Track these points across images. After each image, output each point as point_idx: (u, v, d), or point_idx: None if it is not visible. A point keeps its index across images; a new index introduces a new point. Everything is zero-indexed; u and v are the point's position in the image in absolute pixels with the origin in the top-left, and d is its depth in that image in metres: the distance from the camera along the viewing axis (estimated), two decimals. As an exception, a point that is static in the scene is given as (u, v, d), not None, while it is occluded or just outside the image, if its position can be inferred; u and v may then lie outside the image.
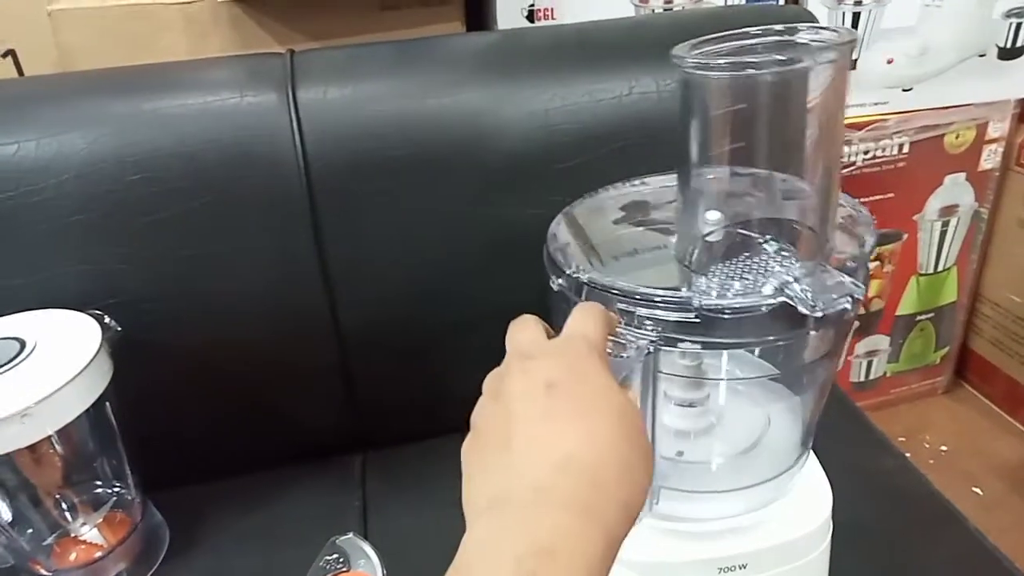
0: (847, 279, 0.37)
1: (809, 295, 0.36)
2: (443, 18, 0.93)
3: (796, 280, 0.38)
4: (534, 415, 0.30)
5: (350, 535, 0.63)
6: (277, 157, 0.67)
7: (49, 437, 0.55)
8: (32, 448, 0.56)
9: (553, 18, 0.94)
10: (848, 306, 0.36)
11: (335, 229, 0.69)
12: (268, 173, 0.68)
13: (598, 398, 0.30)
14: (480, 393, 0.36)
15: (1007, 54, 1.10)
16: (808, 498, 0.49)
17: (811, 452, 0.52)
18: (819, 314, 0.36)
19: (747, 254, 0.41)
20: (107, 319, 0.60)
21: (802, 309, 0.36)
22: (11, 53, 1.00)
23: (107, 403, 0.59)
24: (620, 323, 0.39)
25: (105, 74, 0.73)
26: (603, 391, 0.31)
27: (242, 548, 0.65)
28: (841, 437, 0.76)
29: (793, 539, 0.47)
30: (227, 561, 0.64)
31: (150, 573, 0.63)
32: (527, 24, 0.94)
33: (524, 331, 0.36)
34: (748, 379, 0.52)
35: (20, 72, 1.01)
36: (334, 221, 0.69)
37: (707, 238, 0.42)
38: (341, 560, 0.60)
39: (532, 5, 0.94)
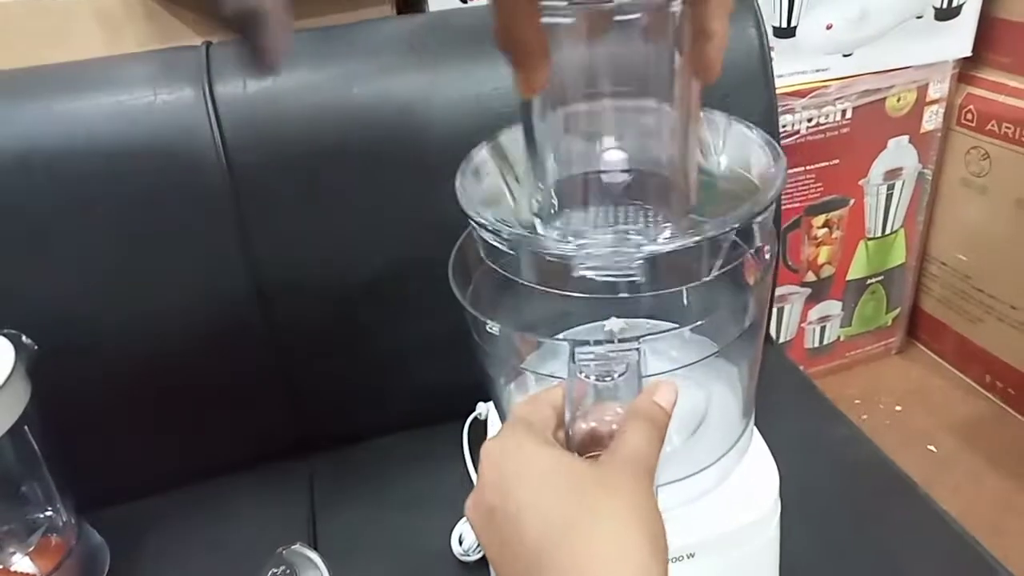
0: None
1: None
2: (373, 2, 0.90)
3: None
4: (491, 547, 0.31)
5: (297, 545, 0.61)
6: (197, 156, 0.64)
7: (-36, 466, 0.53)
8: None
9: (486, -3, 0.91)
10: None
11: (262, 227, 0.66)
12: (188, 173, 0.65)
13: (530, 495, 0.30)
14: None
15: (943, 15, 1.10)
16: (754, 481, 0.48)
17: (756, 433, 0.51)
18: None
19: (601, 205, 0.40)
20: (24, 338, 0.57)
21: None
22: (-86, 55, 0.94)
23: (26, 427, 0.56)
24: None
25: (8, 73, 0.69)
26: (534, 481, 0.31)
27: (186, 564, 0.63)
28: (791, 410, 0.76)
29: (741, 524, 0.46)
30: (169, 580, 0.62)
31: (90, 597, 0.61)
32: (460, 5, 0.91)
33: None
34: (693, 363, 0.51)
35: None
36: (260, 219, 0.66)
37: (558, 185, 0.41)
38: (288, 572, 0.59)
39: (464, -16, 0.91)
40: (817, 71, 1.09)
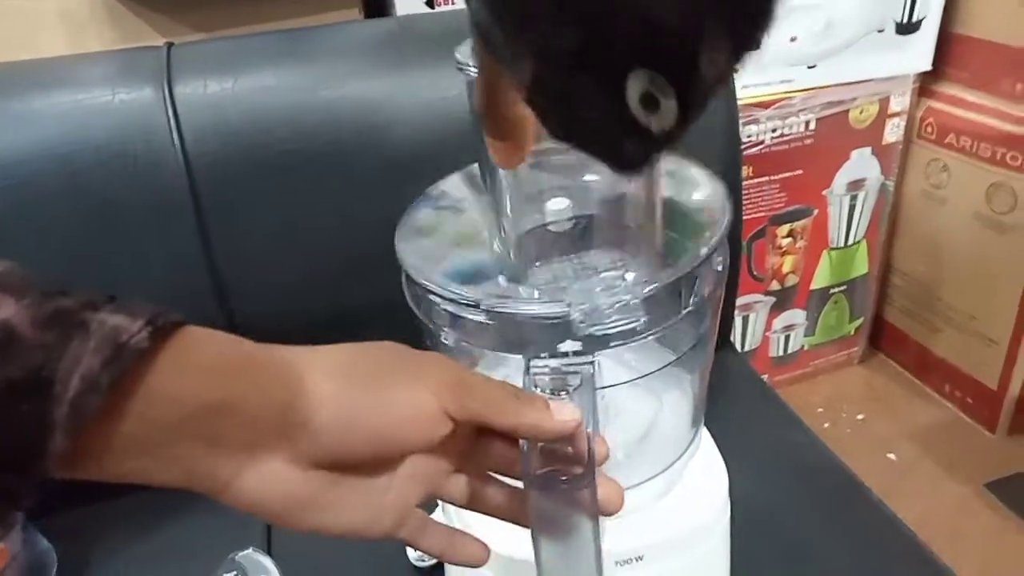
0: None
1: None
2: (340, 4, 0.90)
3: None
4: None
5: (250, 550, 0.60)
6: (156, 156, 0.64)
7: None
8: None
9: (453, 3, 0.92)
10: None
11: (222, 228, 0.66)
12: (147, 174, 0.64)
13: None
14: None
15: (904, 29, 1.12)
16: (703, 483, 0.49)
17: (706, 435, 0.52)
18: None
19: (564, 256, 0.40)
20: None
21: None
22: None
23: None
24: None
25: (-34, 72, 0.68)
26: None
27: (136, 569, 0.62)
28: (751, 417, 0.77)
29: (690, 527, 0.47)
30: (119, 585, 0.61)
31: (36, 604, 0.60)
32: (426, 10, 0.91)
33: None
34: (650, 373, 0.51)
35: None
36: (221, 221, 0.66)
37: (522, 239, 0.41)
38: (240, 576, 0.58)
39: (431, -10, 0.91)
40: (782, 82, 1.10)
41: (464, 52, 0.37)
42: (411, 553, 0.61)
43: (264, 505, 0.29)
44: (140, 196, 0.64)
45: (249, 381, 0.28)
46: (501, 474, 0.35)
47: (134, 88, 0.65)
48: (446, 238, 0.45)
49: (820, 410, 1.32)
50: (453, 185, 0.51)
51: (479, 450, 0.34)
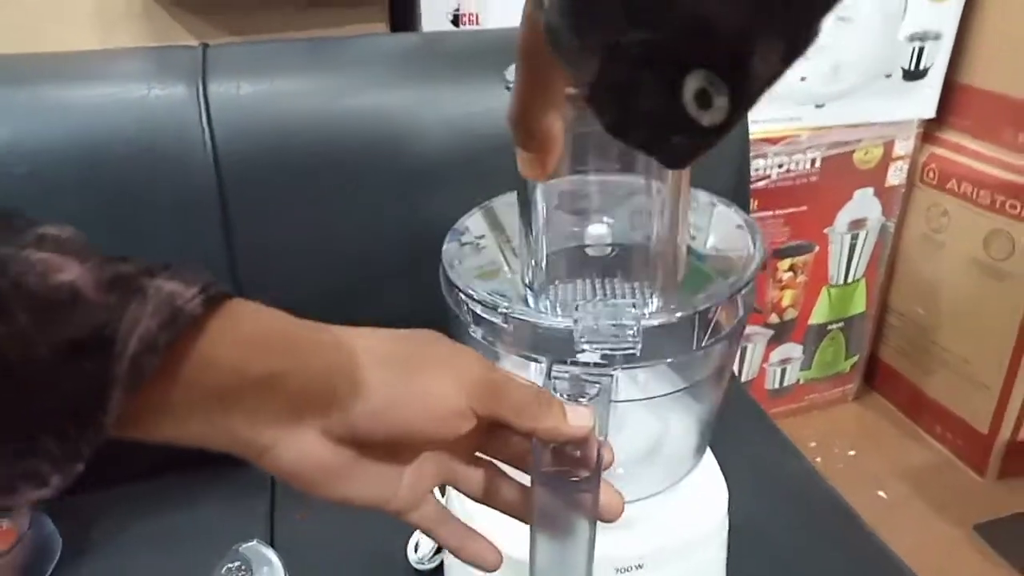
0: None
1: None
2: (368, 18, 0.93)
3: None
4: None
5: (254, 542, 0.61)
6: (186, 153, 0.66)
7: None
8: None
9: (477, 23, 0.94)
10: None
11: (246, 228, 0.67)
12: (176, 169, 0.66)
13: None
14: None
15: (911, 76, 1.16)
16: (704, 497, 0.50)
17: (708, 452, 0.53)
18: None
19: (586, 280, 0.42)
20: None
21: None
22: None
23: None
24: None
25: (5, 60, 0.70)
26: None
27: (139, 556, 0.63)
28: (749, 443, 0.78)
29: (689, 537, 0.48)
30: (122, 570, 0.62)
31: (38, 585, 0.60)
32: (452, 28, 0.94)
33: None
34: (655, 397, 0.53)
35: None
36: (245, 220, 0.67)
37: (548, 259, 0.43)
38: (243, 568, 0.59)
39: (457, 9, 0.94)
40: (790, 120, 1.13)
41: (512, 71, 0.39)
42: (411, 555, 0.62)
43: (296, 473, 0.30)
44: (167, 191, 0.66)
45: (295, 358, 0.29)
46: (512, 466, 0.36)
47: (169, 85, 0.66)
48: (468, 271, 0.47)
49: (813, 444, 1.34)
50: (474, 221, 0.53)
51: (494, 441, 0.35)
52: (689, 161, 0.21)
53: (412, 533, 0.62)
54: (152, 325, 0.25)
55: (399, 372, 0.31)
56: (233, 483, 0.70)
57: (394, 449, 0.32)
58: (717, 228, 0.49)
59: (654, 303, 0.42)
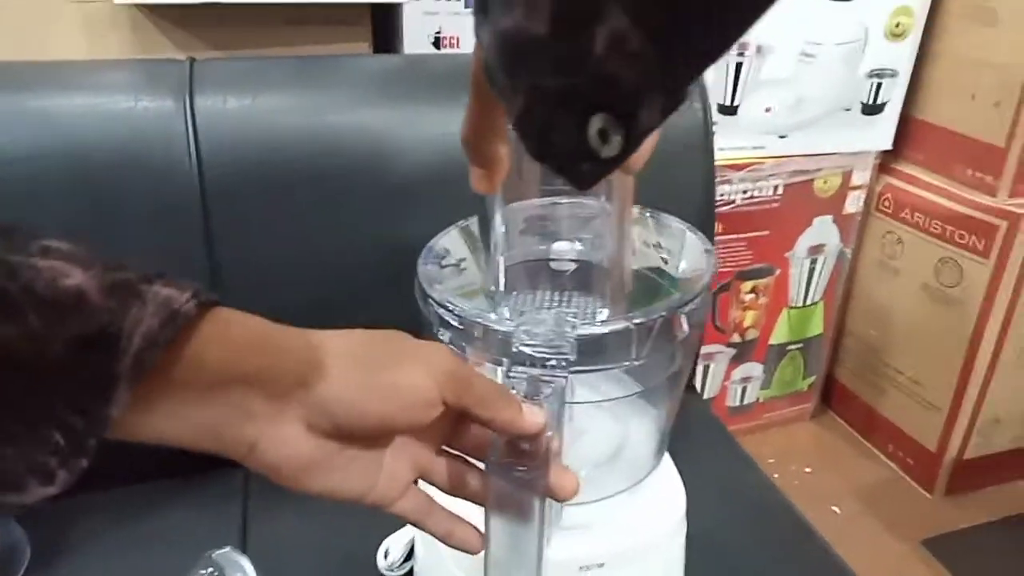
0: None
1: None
2: (350, 37, 0.95)
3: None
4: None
5: (227, 549, 0.62)
6: (171, 164, 0.67)
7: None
8: None
9: (458, 47, 0.97)
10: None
11: (228, 240, 0.68)
12: (160, 180, 0.67)
13: None
14: None
15: (869, 110, 1.21)
16: (662, 499, 0.53)
17: (667, 457, 0.56)
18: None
19: (544, 290, 0.45)
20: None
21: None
22: None
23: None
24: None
25: (-11, 67, 0.71)
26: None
27: (110, 562, 0.63)
28: (710, 457, 0.81)
29: (648, 537, 0.50)
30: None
31: (8, 589, 0.60)
32: (433, 50, 0.97)
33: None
34: (611, 399, 0.55)
35: None
36: (227, 232, 0.68)
37: (508, 271, 0.46)
38: (216, 574, 0.60)
39: (439, 32, 0.96)
40: (754, 148, 1.18)
41: None
42: (381, 562, 0.64)
43: (281, 466, 0.33)
44: (151, 202, 0.67)
45: (275, 357, 0.32)
46: (473, 458, 0.39)
47: (157, 97, 0.68)
48: (451, 291, 0.49)
49: (771, 461, 1.38)
50: (452, 242, 0.55)
51: (457, 435, 0.38)
52: (593, 183, 0.26)
53: (382, 540, 0.64)
54: (153, 324, 0.27)
55: (373, 364, 0.34)
56: (206, 491, 0.71)
57: (370, 440, 0.35)
58: (688, 254, 0.52)
59: (602, 315, 0.44)
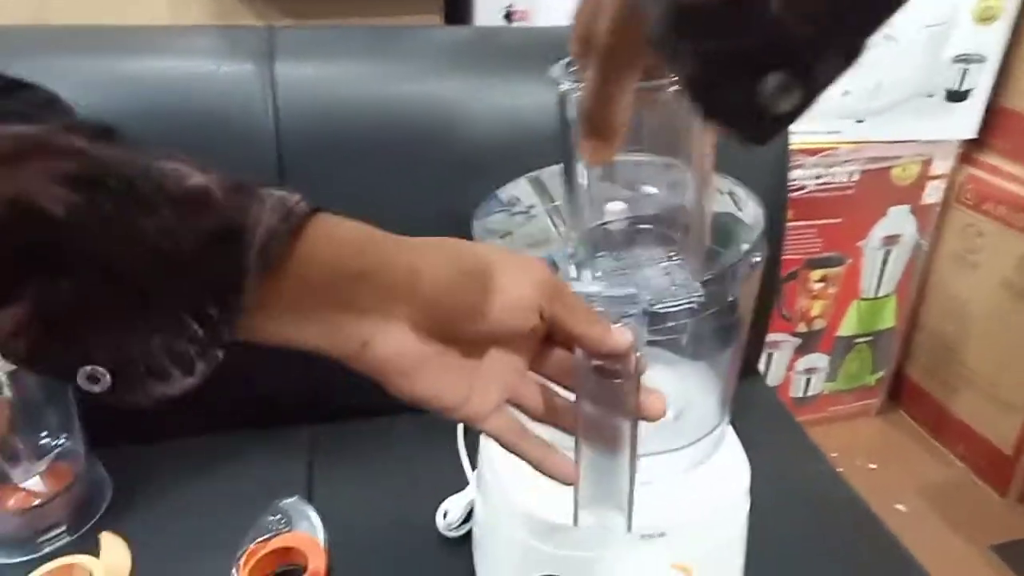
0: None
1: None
2: (423, 10, 0.96)
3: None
4: None
5: (294, 498, 0.64)
6: (250, 128, 0.69)
7: (-1, 379, 0.56)
8: (-21, 389, 0.56)
9: (529, 20, 0.97)
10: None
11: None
12: (240, 142, 0.69)
13: None
14: None
15: (955, 97, 1.16)
16: (727, 472, 0.52)
17: (731, 432, 0.55)
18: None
19: (623, 251, 0.46)
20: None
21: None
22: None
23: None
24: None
25: (79, 31, 0.74)
26: None
27: (185, 507, 0.66)
28: (774, 441, 0.80)
29: (711, 509, 0.50)
30: (167, 517, 0.65)
31: (88, 525, 0.64)
32: (504, 23, 0.97)
33: None
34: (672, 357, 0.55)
35: (-7, 25, 1.01)
36: (302, 193, 0.70)
37: (589, 232, 0.46)
38: (284, 520, 0.62)
39: (510, 6, 0.96)
40: (829, 132, 1.15)
41: (558, 68, 0.42)
42: (440, 521, 0.64)
43: (390, 363, 0.34)
44: (229, 163, 0.69)
45: (381, 256, 0.33)
46: (557, 383, 0.40)
47: (238, 62, 0.70)
48: (520, 240, 0.50)
49: (834, 455, 1.33)
50: (522, 191, 0.56)
51: (543, 356, 0.39)
52: (770, 139, 0.26)
53: (441, 502, 0.65)
54: (273, 220, 0.29)
55: (474, 268, 0.35)
56: (274, 447, 0.73)
57: (469, 344, 0.36)
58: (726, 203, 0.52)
59: (688, 267, 0.45)
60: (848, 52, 0.23)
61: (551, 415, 0.39)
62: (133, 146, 0.29)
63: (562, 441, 0.40)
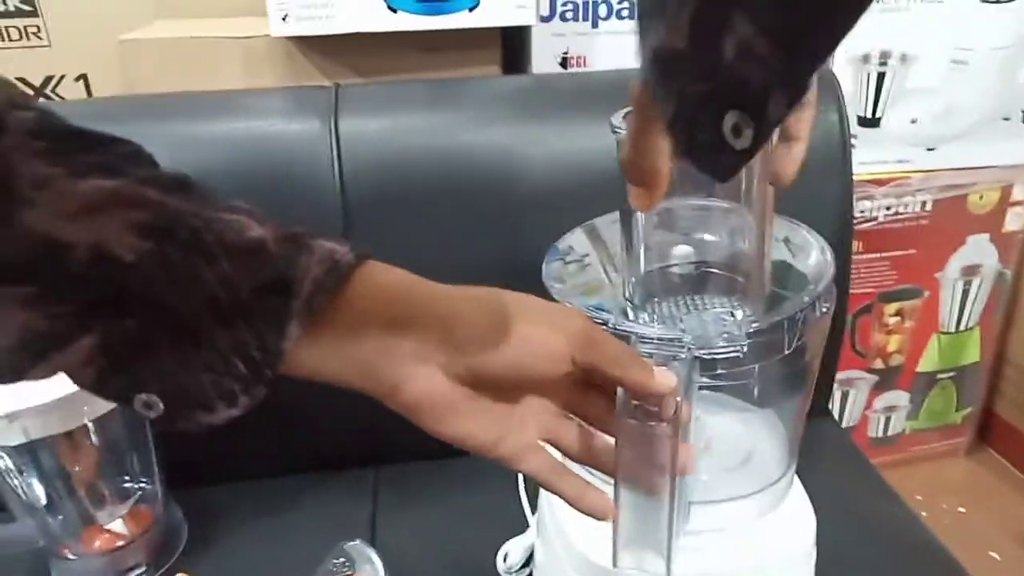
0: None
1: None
2: (481, 61, 0.99)
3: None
4: None
5: (357, 542, 0.65)
6: (317, 181, 0.72)
7: (86, 426, 0.60)
8: (69, 435, 0.60)
9: (585, 65, 0.99)
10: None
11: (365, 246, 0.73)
12: (308, 196, 0.72)
13: None
14: None
15: (1032, 119, 1.12)
16: (792, 523, 0.51)
17: (797, 482, 0.54)
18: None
19: (681, 295, 0.46)
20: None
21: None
22: (83, 77, 1.10)
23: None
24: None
25: (165, 98, 0.79)
26: None
27: (254, 548, 0.68)
28: (847, 485, 0.77)
29: (776, 561, 0.48)
30: (239, 559, 0.67)
31: (167, 566, 0.66)
32: (560, 70, 0.99)
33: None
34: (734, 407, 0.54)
35: (89, 94, 1.10)
36: (365, 243, 0.73)
37: (645, 276, 0.47)
38: (347, 564, 0.63)
39: (566, 52, 0.98)
40: (899, 162, 1.11)
41: (618, 117, 0.43)
42: (500, 564, 0.65)
43: (420, 406, 0.36)
44: (297, 215, 0.72)
45: (420, 305, 0.35)
46: (594, 426, 0.40)
47: (305, 120, 0.74)
48: (573, 289, 0.50)
49: (919, 498, 1.28)
50: (577, 240, 0.57)
51: (582, 399, 0.39)
52: (731, 174, 0.28)
53: (502, 544, 0.65)
54: (319, 272, 0.31)
55: (507, 316, 0.36)
56: (338, 489, 0.76)
57: (501, 390, 0.37)
58: (794, 250, 0.52)
59: (743, 313, 0.45)
60: (793, 92, 0.25)
61: (590, 456, 0.40)
62: (204, 196, 0.32)
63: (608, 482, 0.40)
